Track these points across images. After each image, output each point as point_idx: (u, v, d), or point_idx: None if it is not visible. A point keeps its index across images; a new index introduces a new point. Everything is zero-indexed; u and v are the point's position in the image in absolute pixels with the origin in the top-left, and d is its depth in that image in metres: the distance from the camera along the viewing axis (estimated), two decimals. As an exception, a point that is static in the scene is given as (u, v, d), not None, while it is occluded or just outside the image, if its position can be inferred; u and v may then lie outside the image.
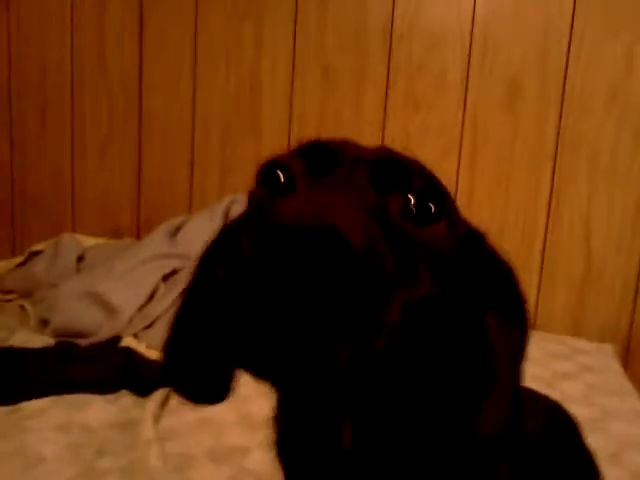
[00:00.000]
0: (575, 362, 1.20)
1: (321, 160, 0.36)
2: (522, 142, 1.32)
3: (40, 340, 1.20)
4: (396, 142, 1.40)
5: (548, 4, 1.30)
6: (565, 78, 1.28)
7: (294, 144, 0.41)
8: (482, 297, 0.42)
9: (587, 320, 1.34)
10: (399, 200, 0.35)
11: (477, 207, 1.37)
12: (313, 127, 1.48)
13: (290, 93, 1.50)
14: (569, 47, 1.27)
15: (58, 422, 0.96)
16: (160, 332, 1.25)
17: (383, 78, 1.41)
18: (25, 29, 1.74)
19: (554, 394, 0.95)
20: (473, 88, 1.34)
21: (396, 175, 0.35)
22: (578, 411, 0.76)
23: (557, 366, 1.17)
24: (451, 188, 1.46)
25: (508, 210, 1.35)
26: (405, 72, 1.39)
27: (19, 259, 1.51)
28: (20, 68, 1.77)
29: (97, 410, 1.01)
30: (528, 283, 1.36)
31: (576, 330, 1.34)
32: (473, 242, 0.43)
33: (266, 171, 0.39)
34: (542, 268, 1.35)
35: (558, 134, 1.30)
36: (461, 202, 1.48)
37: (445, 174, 1.47)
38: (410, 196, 0.35)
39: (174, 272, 1.30)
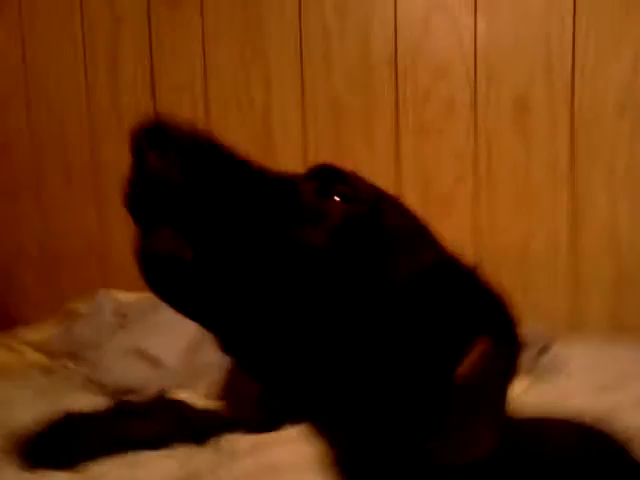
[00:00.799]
0: (624, 361, 1.19)
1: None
2: (536, 160, 1.34)
3: (90, 400, 1.23)
4: (409, 171, 1.43)
5: (548, 19, 1.33)
6: (573, 92, 1.31)
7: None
8: (470, 318, 0.46)
9: (627, 324, 1.35)
10: (312, 185, 0.46)
11: (500, 222, 1.39)
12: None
13: (303, 133, 1.54)
14: (573, 60, 1.30)
15: (122, 483, 0.99)
16: (207, 380, 1.29)
17: (393, 112, 1.44)
18: (42, 89, 1.80)
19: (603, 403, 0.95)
20: (481, 112, 1.37)
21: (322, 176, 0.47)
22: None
23: (603, 372, 1.17)
24: (467, 213, 1.47)
25: (531, 231, 1.37)
26: (412, 102, 1.42)
27: (58, 319, 1.56)
28: (39, 127, 1.82)
29: (158, 466, 1.03)
30: (559, 300, 1.38)
31: (617, 330, 1.34)
32: (458, 273, 0.48)
33: None
34: (573, 283, 1.37)
35: (572, 149, 1.32)
36: (482, 225, 1.49)
37: (461, 199, 1.50)
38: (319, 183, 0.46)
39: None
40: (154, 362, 1.29)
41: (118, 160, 1.69)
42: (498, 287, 0.49)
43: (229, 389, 0.52)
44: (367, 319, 0.42)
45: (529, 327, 1.26)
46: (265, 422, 0.53)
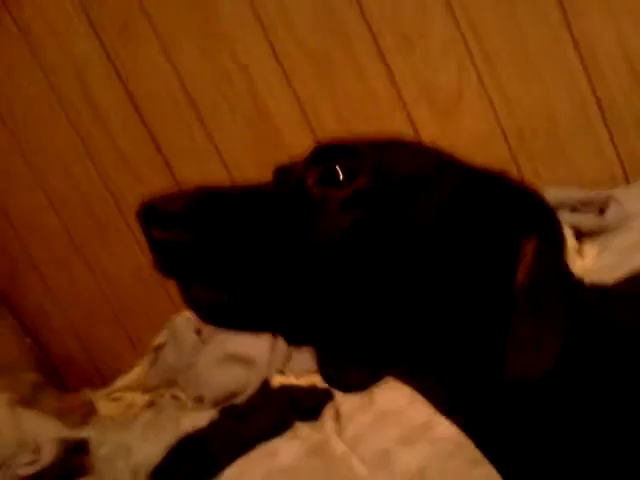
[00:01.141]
0: None
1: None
2: (526, 16, 1.27)
3: (204, 416, 1.27)
4: (408, 81, 1.39)
5: None
6: None
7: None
8: (513, 222, 0.45)
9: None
10: (316, 172, 0.45)
11: (514, 98, 1.34)
12: (330, 114, 1.48)
13: (294, 95, 1.51)
14: None
15: (261, 475, 1.03)
16: (299, 359, 1.31)
17: (368, 34, 1.40)
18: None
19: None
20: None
21: (325, 156, 0.46)
22: None
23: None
24: (482, 95, 1.40)
25: (546, 86, 1.31)
26: (383, 18, 1.37)
27: (149, 358, 1.61)
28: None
29: (286, 450, 1.07)
30: (599, 143, 1.32)
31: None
32: (488, 184, 0.46)
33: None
34: (606, 122, 1.31)
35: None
36: (498, 102, 1.42)
37: (472, 85, 1.43)
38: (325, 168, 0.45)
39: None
40: (246, 361, 1.31)
41: (133, 191, 1.74)
42: (530, 184, 0.47)
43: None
44: (408, 275, 0.43)
45: (578, 189, 1.25)
46: (358, 383, 0.54)
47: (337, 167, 0.44)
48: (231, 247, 0.42)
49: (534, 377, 0.42)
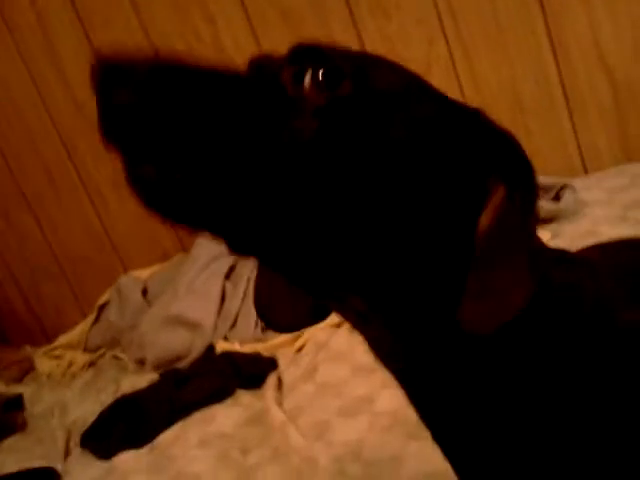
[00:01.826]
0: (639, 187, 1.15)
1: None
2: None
3: (145, 379, 1.24)
4: (379, 49, 1.36)
5: None
6: None
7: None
8: (484, 162, 0.42)
9: (635, 142, 1.29)
10: (291, 71, 0.42)
11: (482, 77, 1.33)
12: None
13: (257, 46, 1.47)
14: None
15: (196, 441, 1.01)
16: (244, 326, 1.28)
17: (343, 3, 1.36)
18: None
19: (631, 226, 0.94)
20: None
21: (302, 55, 0.43)
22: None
23: (623, 198, 1.13)
24: (450, 70, 1.40)
25: (514, 66, 1.30)
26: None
27: (91, 317, 1.57)
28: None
29: (225, 417, 1.05)
30: (560, 129, 1.32)
31: (627, 156, 1.29)
32: (463, 119, 0.44)
33: None
34: (570, 109, 1.31)
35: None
36: (465, 77, 1.42)
37: (441, 60, 1.42)
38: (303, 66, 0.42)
39: (232, 268, 1.32)
40: (191, 325, 1.29)
41: (91, 146, 1.69)
42: (507, 129, 0.45)
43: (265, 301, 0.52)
44: (374, 186, 0.40)
45: (538, 176, 1.24)
46: (306, 320, 0.51)
47: (318, 69, 0.41)
48: (193, 124, 0.38)
49: (491, 329, 0.40)
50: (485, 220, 0.41)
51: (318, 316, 0.53)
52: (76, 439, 1.14)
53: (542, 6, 1.25)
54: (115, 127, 0.38)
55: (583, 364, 0.43)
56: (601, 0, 1.22)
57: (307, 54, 0.42)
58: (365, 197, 0.40)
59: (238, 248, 0.43)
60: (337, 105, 0.40)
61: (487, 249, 0.40)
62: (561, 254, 0.48)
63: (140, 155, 0.39)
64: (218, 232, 0.41)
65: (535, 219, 0.43)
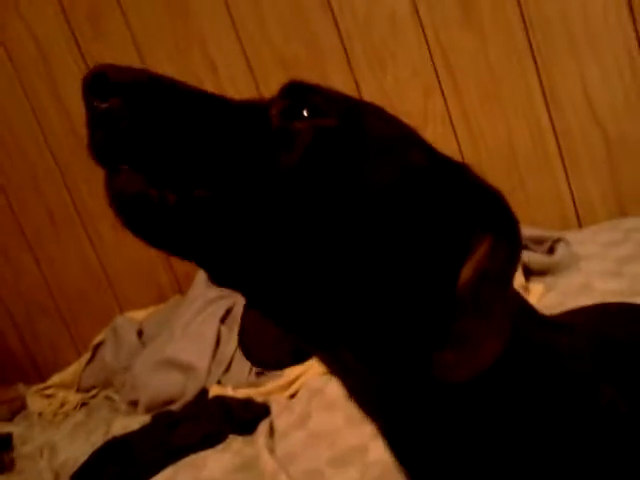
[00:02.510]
0: (633, 241, 1.16)
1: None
2: (494, 49, 1.29)
3: (137, 421, 1.23)
4: (374, 97, 1.39)
5: None
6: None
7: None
8: (468, 215, 0.43)
9: (628, 196, 1.31)
10: (281, 105, 0.43)
11: (478, 130, 1.35)
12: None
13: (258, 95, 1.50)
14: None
15: (186, 488, 1.00)
16: (238, 370, 1.28)
17: (339, 47, 1.40)
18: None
19: (625, 281, 0.94)
20: (427, 19, 1.32)
21: (291, 94, 0.44)
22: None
23: (617, 253, 1.13)
24: (446, 123, 1.43)
25: (509, 120, 1.33)
26: (357, 32, 1.37)
27: (86, 356, 1.56)
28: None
29: (215, 463, 1.04)
30: (555, 182, 1.34)
31: (622, 211, 1.31)
32: (450, 172, 0.45)
33: None
34: (564, 163, 1.33)
35: (525, 26, 1.27)
36: (461, 131, 1.44)
37: (437, 113, 1.44)
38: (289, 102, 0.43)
39: (229, 312, 1.33)
40: (185, 368, 1.28)
41: (91, 184, 1.70)
42: (492, 183, 0.46)
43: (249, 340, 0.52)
44: (356, 231, 0.40)
45: (531, 227, 1.25)
46: (288, 359, 0.51)
47: (303, 101, 0.42)
48: (175, 138, 0.38)
49: (467, 377, 0.40)
50: (467, 272, 0.41)
51: (301, 357, 0.52)
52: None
53: (534, 60, 1.29)
54: (102, 138, 0.38)
55: (554, 420, 0.44)
56: (590, 54, 1.25)
57: (297, 90, 0.43)
58: (345, 240, 0.40)
59: (219, 279, 0.42)
60: (320, 142, 0.40)
61: (468, 301, 0.41)
62: (545, 317, 0.49)
63: (125, 171, 0.38)
64: (192, 257, 0.41)
65: (514, 273, 0.43)
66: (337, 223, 0.40)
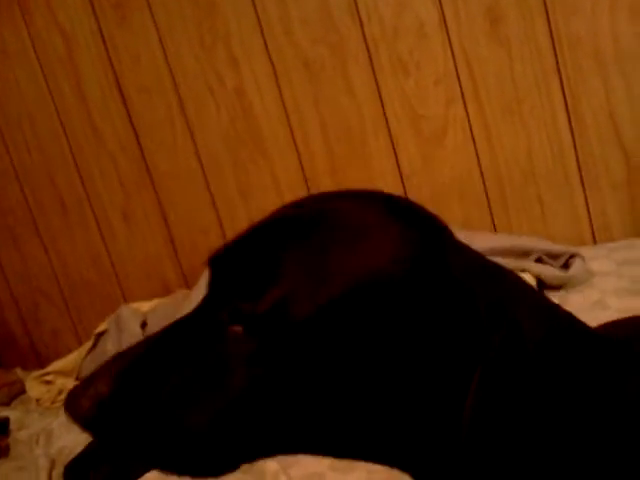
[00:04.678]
0: None
1: None
2: (520, 64, 1.29)
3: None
4: (396, 105, 1.39)
5: None
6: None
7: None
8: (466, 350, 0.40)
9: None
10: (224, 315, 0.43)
11: (498, 143, 1.34)
12: (315, 122, 1.48)
13: (281, 98, 1.50)
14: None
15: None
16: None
17: (364, 53, 1.40)
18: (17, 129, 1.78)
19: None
20: (454, 30, 1.32)
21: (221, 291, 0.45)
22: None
23: (633, 271, 1.12)
24: (467, 133, 1.41)
25: (530, 135, 1.32)
26: (383, 39, 1.37)
27: (88, 344, 1.55)
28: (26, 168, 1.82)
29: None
30: (572, 199, 1.33)
31: (637, 231, 1.30)
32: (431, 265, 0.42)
33: None
34: (583, 182, 1.32)
35: (553, 43, 1.27)
36: (480, 142, 1.43)
37: (458, 121, 1.45)
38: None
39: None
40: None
41: (107, 181, 1.70)
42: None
43: None
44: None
45: (547, 241, 1.24)
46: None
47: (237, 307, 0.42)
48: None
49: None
50: (469, 403, 0.39)
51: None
52: (60, 469, 1.11)
53: (560, 77, 1.28)
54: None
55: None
56: (618, 76, 1.25)
57: (225, 284, 0.44)
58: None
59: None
60: (264, 340, 0.40)
61: (475, 431, 0.39)
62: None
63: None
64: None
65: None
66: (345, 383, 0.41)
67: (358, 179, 1.45)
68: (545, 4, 1.26)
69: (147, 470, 1.05)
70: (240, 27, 1.50)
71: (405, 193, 1.41)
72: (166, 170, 1.66)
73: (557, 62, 1.28)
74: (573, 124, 1.30)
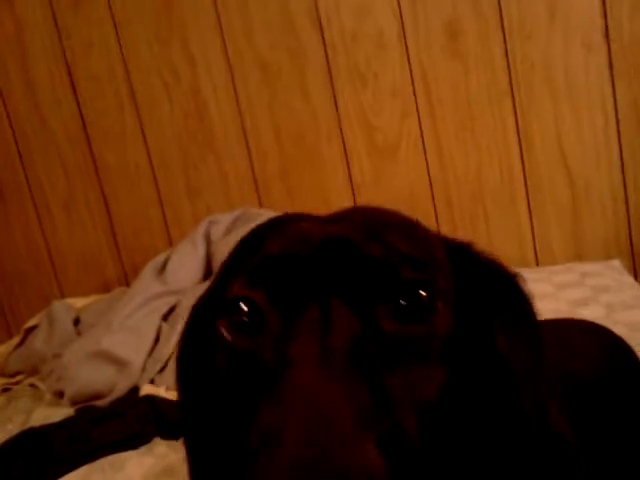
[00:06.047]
0: (587, 286, 1.18)
1: (283, 290, 0.36)
2: (475, 81, 1.30)
3: (60, 413, 1.17)
4: (352, 114, 1.38)
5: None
6: (500, 9, 1.27)
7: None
8: (487, 311, 0.42)
9: (587, 242, 1.33)
10: (386, 311, 0.35)
11: (449, 159, 1.35)
12: (268, 125, 1.46)
13: (236, 99, 1.48)
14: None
15: (99, 489, 0.94)
16: (173, 369, 1.22)
17: (323, 59, 1.38)
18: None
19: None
20: (412, 43, 1.32)
21: (374, 281, 0.34)
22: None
23: (571, 295, 1.14)
24: (419, 147, 1.43)
25: (481, 153, 1.34)
26: (342, 46, 1.37)
27: (16, 339, 1.48)
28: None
29: (135, 466, 0.98)
30: (518, 220, 1.35)
31: (578, 255, 1.33)
32: (461, 258, 0.43)
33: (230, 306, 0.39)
34: (529, 203, 1.34)
35: (508, 65, 1.28)
36: (432, 157, 1.44)
37: (411, 135, 1.45)
38: (399, 300, 0.35)
39: (172, 309, 1.28)
40: (119, 362, 1.22)
41: (50, 169, 1.64)
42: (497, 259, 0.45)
43: None
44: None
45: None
46: None
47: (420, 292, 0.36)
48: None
49: None
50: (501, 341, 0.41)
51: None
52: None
53: (513, 99, 1.30)
54: None
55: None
56: (568, 104, 1.28)
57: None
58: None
59: None
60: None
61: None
62: None
63: None
64: None
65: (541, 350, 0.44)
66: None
67: (309, 185, 1.44)
68: (502, 24, 1.28)
69: (66, 470, 1.00)
70: (199, 24, 1.48)
71: (354, 202, 1.41)
72: (112, 162, 1.61)
73: (511, 84, 1.29)
74: (523, 146, 1.32)
